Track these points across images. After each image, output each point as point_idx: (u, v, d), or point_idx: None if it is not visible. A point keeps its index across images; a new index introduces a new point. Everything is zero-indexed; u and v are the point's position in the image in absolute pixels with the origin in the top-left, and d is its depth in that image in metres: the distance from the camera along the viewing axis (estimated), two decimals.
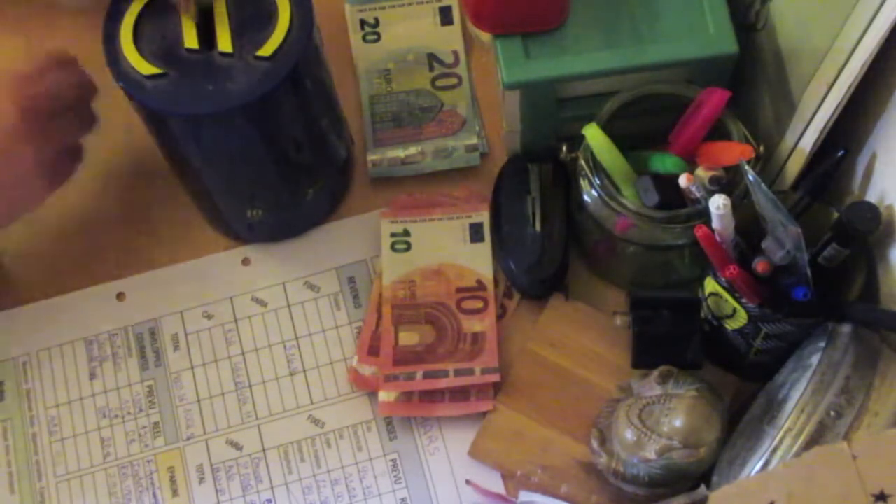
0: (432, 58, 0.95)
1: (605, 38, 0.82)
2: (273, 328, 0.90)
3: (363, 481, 0.85)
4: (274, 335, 0.89)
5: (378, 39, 0.96)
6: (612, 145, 0.79)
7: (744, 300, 0.75)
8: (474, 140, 0.93)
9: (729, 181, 0.77)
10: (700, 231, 0.72)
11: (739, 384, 0.84)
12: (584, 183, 0.81)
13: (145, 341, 0.89)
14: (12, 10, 0.99)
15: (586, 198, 0.81)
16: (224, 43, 0.76)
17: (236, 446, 0.86)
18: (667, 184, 0.78)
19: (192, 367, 0.88)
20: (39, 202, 0.84)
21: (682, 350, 0.82)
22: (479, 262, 0.89)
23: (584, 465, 0.82)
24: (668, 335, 0.82)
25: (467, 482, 0.83)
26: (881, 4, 0.68)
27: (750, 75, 0.84)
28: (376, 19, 0.96)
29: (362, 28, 0.96)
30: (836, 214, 0.74)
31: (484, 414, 0.85)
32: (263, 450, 0.86)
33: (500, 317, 0.88)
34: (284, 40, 0.76)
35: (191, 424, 0.87)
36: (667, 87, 0.81)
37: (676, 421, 0.77)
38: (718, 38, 0.80)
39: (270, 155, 0.83)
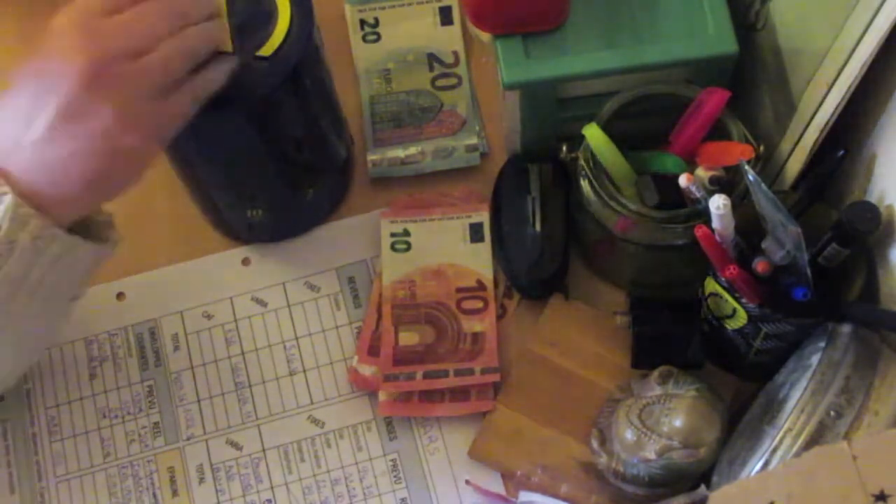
0: (432, 58, 0.95)
1: (605, 38, 0.82)
2: (273, 328, 0.90)
3: (363, 481, 0.85)
4: (274, 335, 0.89)
5: (378, 39, 0.96)
6: (612, 145, 0.79)
7: (744, 300, 0.75)
8: (474, 140, 0.93)
9: (729, 181, 0.77)
10: (700, 231, 0.72)
11: (739, 384, 0.84)
12: (584, 183, 0.81)
13: (145, 341, 0.89)
14: None
15: (586, 198, 0.81)
16: (224, 43, 0.76)
17: (236, 446, 0.86)
18: (667, 184, 0.78)
19: (192, 367, 0.88)
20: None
21: (682, 350, 0.82)
22: (479, 262, 0.89)
23: (584, 465, 0.82)
24: (668, 335, 0.82)
25: (467, 482, 0.83)
26: (881, 4, 0.68)
27: (750, 75, 0.84)
28: (376, 19, 0.96)
29: (362, 28, 0.96)
30: (836, 214, 0.74)
31: (484, 414, 0.85)
32: (263, 450, 0.86)
33: (500, 317, 0.88)
34: (284, 40, 0.76)
35: (191, 424, 0.87)
36: (667, 87, 0.81)
37: (676, 421, 0.77)
38: (718, 38, 0.80)
39: (270, 155, 0.83)
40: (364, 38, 0.96)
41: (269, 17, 0.76)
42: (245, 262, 0.92)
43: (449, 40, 0.96)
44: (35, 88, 0.67)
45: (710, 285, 0.78)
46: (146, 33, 0.68)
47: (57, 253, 0.69)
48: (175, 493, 0.85)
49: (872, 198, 0.76)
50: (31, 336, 0.76)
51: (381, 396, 0.86)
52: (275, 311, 0.90)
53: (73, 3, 0.69)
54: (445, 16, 0.96)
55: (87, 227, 0.73)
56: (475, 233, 0.90)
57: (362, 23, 0.96)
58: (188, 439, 0.86)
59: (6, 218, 0.66)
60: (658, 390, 0.79)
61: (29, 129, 0.67)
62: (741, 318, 0.77)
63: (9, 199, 0.66)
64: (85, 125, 0.67)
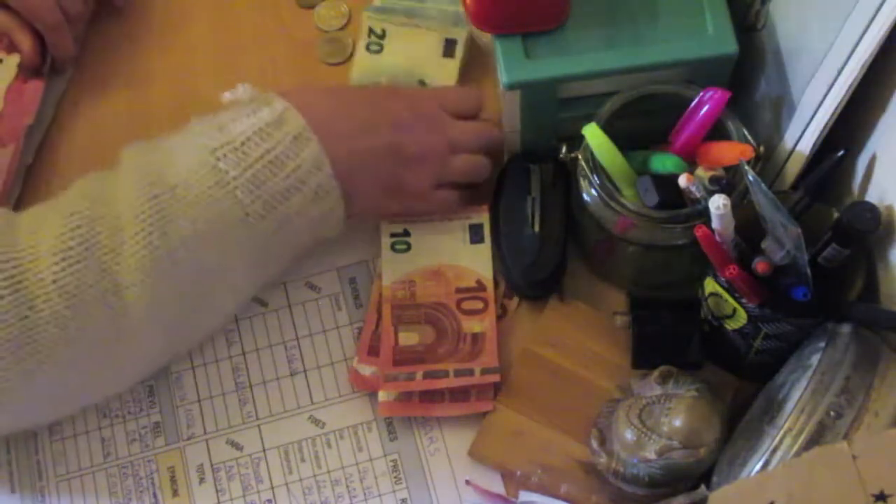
0: (422, 85, 0.95)
1: (605, 38, 0.82)
2: (274, 328, 0.90)
3: (363, 482, 0.85)
4: (274, 335, 0.89)
5: (380, 51, 0.96)
6: (612, 145, 0.79)
7: (744, 300, 0.75)
8: None
9: (729, 181, 0.77)
10: (700, 231, 0.72)
11: (739, 384, 0.84)
12: (583, 183, 0.81)
13: None
14: None
15: (586, 198, 0.81)
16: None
17: (237, 446, 0.86)
18: (667, 184, 0.78)
19: (193, 367, 0.88)
20: None
21: (682, 350, 0.82)
22: (478, 262, 0.89)
23: (584, 465, 0.82)
24: (668, 335, 0.82)
25: (467, 482, 0.83)
26: (881, 4, 0.68)
27: (750, 75, 0.84)
28: (384, 31, 0.96)
29: (369, 36, 0.96)
30: (836, 214, 0.74)
31: (484, 414, 0.85)
32: (264, 450, 0.86)
33: (501, 317, 0.88)
34: None
35: (191, 424, 0.87)
36: (667, 87, 0.81)
37: (676, 421, 0.77)
38: (718, 38, 0.80)
39: None
40: (368, 47, 0.96)
41: None
42: None
43: (445, 73, 0.95)
44: (391, 124, 0.84)
45: (710, 285, 0.78)
46: (471, 142, 0.88)
47: (322, 211, 0.81)
48: (175, 492, 0.85)
49: (872, 198, 0.76)
50: (198, 328, 0.84)
51: (382, 397, 0.86)
52: (275, 312, 0.90)
53: (439, 91, 0.92)
54: (449, 48, 0.96)
55: None
56: (475, 233, 0.90)
57: (370, 31, 0.96)
58: (188, 439, 0.86)
59: (309, 160, 0.79)
60: (658, 390, 0.79)
61: (363, 135, 0.82)
62: (741, 318, 0.77)
63: (315, 146, 0.79)
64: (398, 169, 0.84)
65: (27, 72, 0.94)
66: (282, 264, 0.85)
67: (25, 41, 0.93)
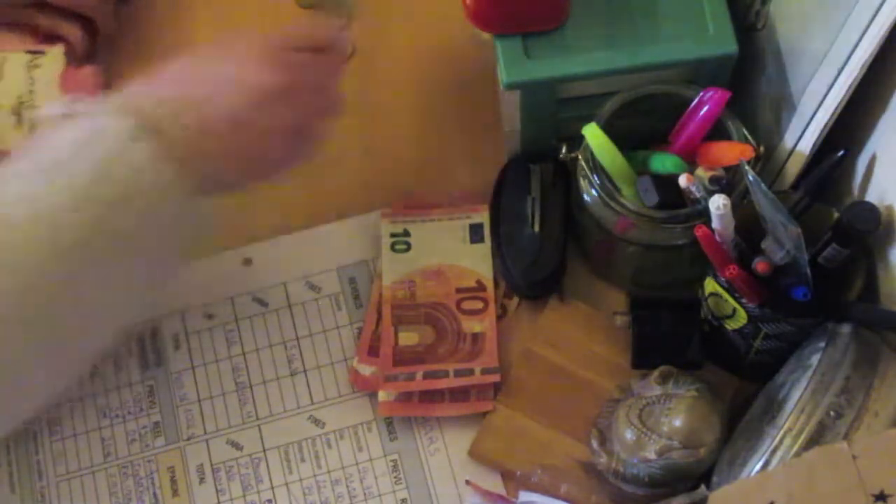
0: None
1: (605, 38, 0.82)
2: (274, 328, 0.90)
3: (363, 482, 0.85)
4: (275, 335, 0.89)
5: None
6: (612, 145, 0.79)
7: (744, 300, 0.75)
8: None
9: (729, 181, 0.77)
10: (700, 231, 0.72)
11: (739, 384, 0.84)
12: (583, 183, 0.81)
13: (146, 341, 0.89)
14: None
15: (586, 198, 0.81)
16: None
17: (237, 446, 0.86)
18: (667, 184, 0.78)
19: (193, 367, 0.88)
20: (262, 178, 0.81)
21: (682, 350, 0.82)
22: (479, 262, 0.89)
23: (584, 465, 0.82)
24: (668, 335, 0.82)
25: (467, 482, 0.83)
26: (881, 4, 0.68)
27: (750, 75, 0.84)
28: None
29: None
30: (836, 214, 0.74)
31: (484, 414, 0.85)
32: (264, 450, 0.86)
33: (501, 317, 0.88)
34: None
35: (191, 424, 0.87)
36: (667, 87, 0.81)
37: (676, 421, 0.77)
38: (718, 39, 0.80)
39: None
40: None
41: None
42: (246, 262, 0.92)
43: None
44: (221, 79, 0.76)
45: (710, 285, 0.78)
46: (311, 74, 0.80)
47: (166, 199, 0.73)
48: (175, 492, 0.85)
49: (872, 198, 0.76)
50: (85, 343, 0.76)
51: (382, 397, 0.86)
52: (276, 312, 0.90)
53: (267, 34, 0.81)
54: None
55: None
56: (475, 233, 0.90)
57: None
58: (189, 439, 0.86)
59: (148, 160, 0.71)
60: (658, 390, 0.79)
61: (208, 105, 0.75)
62: (741, 318, 0.77)
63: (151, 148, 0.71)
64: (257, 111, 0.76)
65: (77, 59, 0.94)
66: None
67: (73, 31, 0.94)
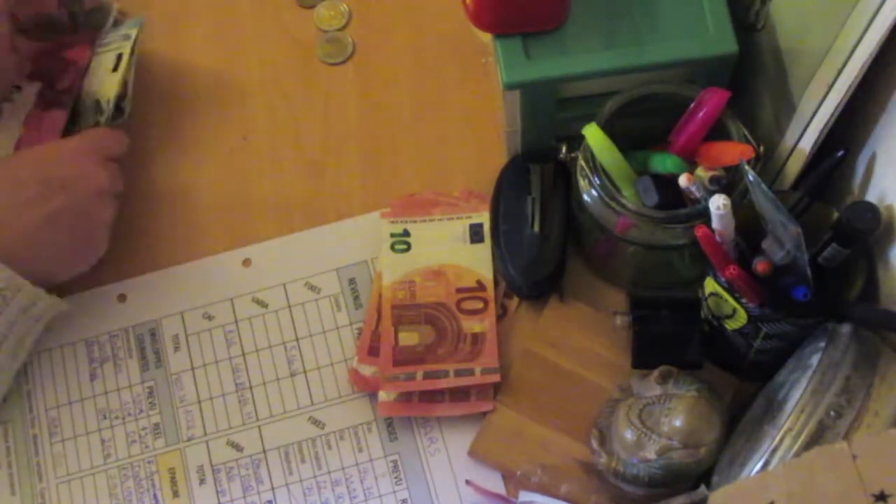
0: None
1: (605, 38, 0.82)
2: (273, 329, 0.90)
3: (364, 482, 0.85)
4: (274, 336, 0.89)
5: None
6: (612, 145, 0.79)
7: (744, 300, 0.75)
8: None
9: (729, 181, 0.77)
10: (700, 231, 0.72)
11: (739, 384, 0.84)
12: (583, 183, 0.81)
13: (146, 342, 0.89)
14: None
15: (586, 198, 0.81)
16: None
17: (237, 447, 0.86)
18: (667, 184, 0.78)
19: (193, 368, 0.88)
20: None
21: (682, 350, 0.82)
22: (479, 262, 0.89)
23: (584, 465, 0.82)
24: (668, 335, 0.82)
25: (467, 482, 0.83)
26: (881, 4, 0.68)
27: (750, 75, 0.84)
28: None
29: None
30: (836, 214, 0.74)
31: (484, 414, 0.85)
32: (264, 451, 0.86)
33: (501, 317, 0.88)
34: None
35: (191, 425, 0.87)
36: (667, 87, 0.81)
37: (676, 421, 0.77)
38: (718, 38, 0.80)
39: None
40: None
41: None
42: (245, 263, 0.92)
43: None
44: (45, 184, 0.83)
45: (710, 285, 0.78)
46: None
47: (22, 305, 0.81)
48: (175, 494, 0.85)
49: (872, 198, 0.76)
50: None
51: (382, 397, 0.86)
52: (275, 312, 0.90)
53: (86, 134, 0.89)
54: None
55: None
56: (475, 233, 0.90)
57: None
58: (189, 440, 0.86)
59: None
60: (658, 390, 0.79)
61: (28, 210, 0.82)
62: (741, 318, 0.77)
63: None
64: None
65: (46, 101, 0.93)
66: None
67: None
